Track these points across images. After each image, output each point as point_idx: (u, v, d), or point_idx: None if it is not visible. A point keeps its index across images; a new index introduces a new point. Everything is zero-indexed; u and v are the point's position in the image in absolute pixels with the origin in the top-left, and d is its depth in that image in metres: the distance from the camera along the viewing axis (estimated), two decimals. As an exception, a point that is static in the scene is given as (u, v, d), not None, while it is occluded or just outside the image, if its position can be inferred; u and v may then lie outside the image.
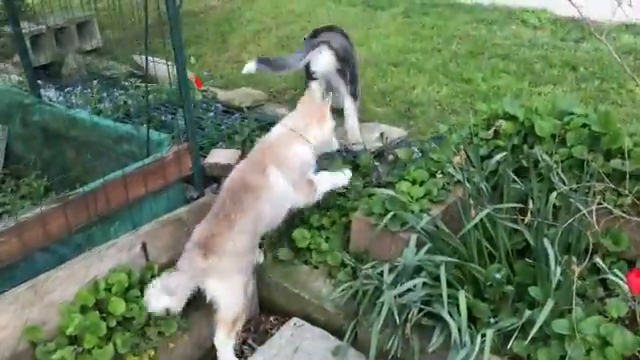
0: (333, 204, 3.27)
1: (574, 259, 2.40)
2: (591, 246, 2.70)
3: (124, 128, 3.25)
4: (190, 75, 4.55)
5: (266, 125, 4.08)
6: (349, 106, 3.77)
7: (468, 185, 2.73)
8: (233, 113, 4.26)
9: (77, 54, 5.30)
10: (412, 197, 2.99)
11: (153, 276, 2.87)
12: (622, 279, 2.53)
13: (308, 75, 3.81)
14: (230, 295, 2.68)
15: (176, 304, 2.64)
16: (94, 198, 2.68)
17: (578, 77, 4.68)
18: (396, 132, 3.91)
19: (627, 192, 2.81)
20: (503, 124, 3.18)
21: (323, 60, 3.67)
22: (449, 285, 2.57)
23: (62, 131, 3.61)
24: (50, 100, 4.39)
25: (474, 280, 2.76)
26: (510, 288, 2.67)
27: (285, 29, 6.15)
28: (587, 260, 2.63)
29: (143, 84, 4.65)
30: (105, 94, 4.24)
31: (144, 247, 2.88)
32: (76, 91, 4.25)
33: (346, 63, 3.75)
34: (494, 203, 2.85)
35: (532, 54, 5.14)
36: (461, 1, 6.64)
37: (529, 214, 2.60)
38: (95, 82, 4.76)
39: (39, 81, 5.10)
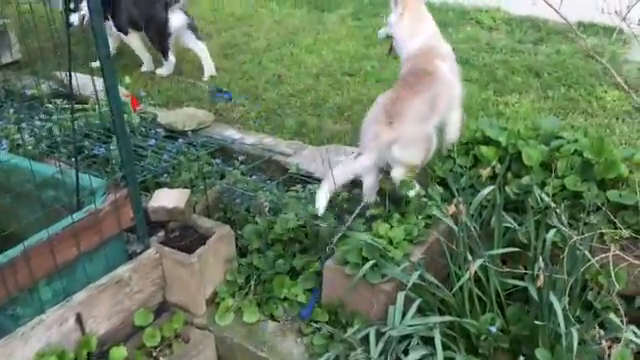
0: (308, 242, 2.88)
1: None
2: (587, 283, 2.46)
3: (48, 171, 2.73)
4: (125, 94, 4.05)
5: (215, 151, 3.65)
6: None
7: (456, 228, 2.40)
8: (176, 138, 3.78)
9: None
10: (392, 241, 2.63)
11: (90, 353, 2.40)
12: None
13: None
14: (412, 158, 2.83)
15: (371, 186, 2.89)
16: (13, 270, 2.18)
17: (543, 84, 4.44)
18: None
19: (625, 225, 2.56)
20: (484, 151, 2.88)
21: None
22: (443, 347, 2.24)
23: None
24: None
25: (465, 332, 2.45)
26: (506, 345, 2.37)
27: (226, 35, 5.68)
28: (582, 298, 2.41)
29: (69, 106, 4.11)
30: (25, 122, 3.66)
31: (79, 319, 2.40)
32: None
33: None
34: (483, 242, 2.54)
35: (492, 59, 4.88)
36: (411, 1, 6.33)
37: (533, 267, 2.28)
38: (13, 104, 4.17)
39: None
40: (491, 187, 2.64)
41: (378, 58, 4.99)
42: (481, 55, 4.95)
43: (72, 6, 4.83)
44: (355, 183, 3.20)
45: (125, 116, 3.69)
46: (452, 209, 2.22)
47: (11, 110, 3.74)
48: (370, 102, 4.25)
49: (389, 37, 3.39)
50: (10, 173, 2.88)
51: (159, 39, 4.93)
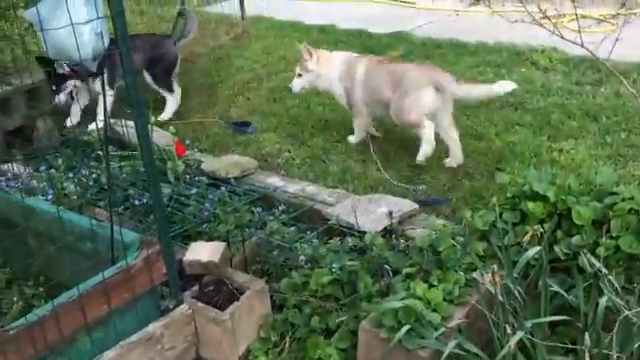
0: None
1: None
2: None
3: (87, 224, 2.76)
4: (171, 140, 4.12)
5: (257, 200, 3.63)
6: None
7: (500, 298, 2.24)
8: (220, 186, 3.78)
9: (49, 116, 4.84)
10: (430, 303, 2.50)
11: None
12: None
13: None
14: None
15: None
16: (42, 328, 2.19)
17: (601, 129, 4.22)
18: (406, 205, 3.42)
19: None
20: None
21: None
22: None
23: (21, 222, 3.13)
24: (16, 176, 3.94)
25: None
26: None
27: (276, 79, 5.71)
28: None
29: (119, 153, 4.20)
30: (72, 172, 3.75)
31: (109, 377, 2.38)
32: (42, 168, 3.77)
33: None
34: (529, 306, 2.38)
35: (547, 102, 4.69)
36: (464, 41, 6.22)
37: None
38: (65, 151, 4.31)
39: (12, 150, 4.70)
40: (538, 248, 2.48)
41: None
42: (535, 98, 4.76)
43: (54, 87, 4.61)
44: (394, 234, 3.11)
45: (169, 163, 3.77)
46: (488, 277, 2.08)
47: (59, 160, 3.84)
48: (417, 148, 4.19)
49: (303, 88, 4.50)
50: (53, 224, 2.93)
51: (166, 77, 5.05)
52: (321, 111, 4.94)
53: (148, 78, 4.99)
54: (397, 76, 4.03)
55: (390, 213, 3.20)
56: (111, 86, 4.48)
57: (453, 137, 3.98)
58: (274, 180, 3.92)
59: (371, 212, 3.34)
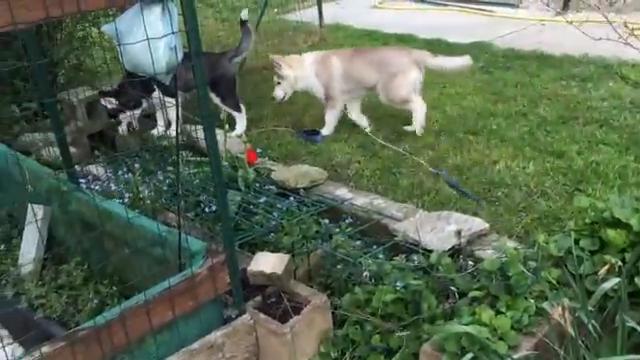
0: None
1: None
2: None
3: (158, 230, 2.84)
4: (244, 148, 4.18)
5: (324, 211, 3.62)
6: None
7: (572, 332, 2.11)
8: (288, 196, 3.80)
9: (130, 121, 5.06)
10: (496, 330, 2.40)
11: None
12: None
13: None
14: None
15: None
16: (109, 331, 2.26)
17: (696, 151, 3.93)
18: (476, 224, 3.30)
19: None
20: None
21: None
22: None
23: (98, 224, 3.27)
24: (96, 178, 4.13)
25: None
26: None
27: (351, 88, 5.69)
28: None
29: (194, 158, 4.33)
30: (149, 176, 3.89)
31: (170, 382, 2.43)
32: (120, 172, 3.93)
33: None
34: (605, 342, 2.23)
35: (636, 119, 4.42)
36: (548, 52, 5.98)
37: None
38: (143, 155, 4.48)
39: (96, 151, 4.94)
40: (616, 279, 2.32)
41: (505, 115, 4.72)
42: (623, 115, 4.50)
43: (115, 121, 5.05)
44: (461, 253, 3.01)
45: (240, 171, 3.83)
46: (557, 312, 1.96)
47: (137, 164, 3.99)
48: (492, 164, 4.05)
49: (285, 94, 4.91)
50: (126, 228, 3.04)
51: (232, 96, 5.05)
52: (394, 122, 4.87)
53: (216, 100, 5.01)
54: (380, 61, 4.67)
55: (459, 232, 3.11)
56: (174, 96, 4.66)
57: (420, 103, 4.62)
58: (342, 192, 3.89)
59: (439, 230, 3.25)
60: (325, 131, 4.86)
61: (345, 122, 5.02)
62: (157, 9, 2.10)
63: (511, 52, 6.20)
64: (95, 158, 4.59)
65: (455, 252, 3.09)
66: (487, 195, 3.75)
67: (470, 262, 2.95)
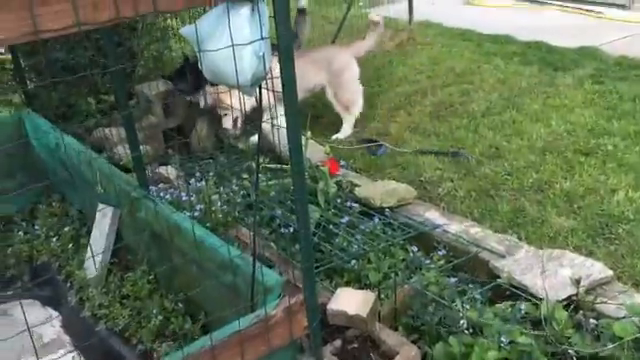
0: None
1: None
2: None
3: (230, 254, 2.52)
4: (325, 160, 3.83)
5: (413, 238, 3.22)
6: None
7: None
8: (372, 216, 3.42)
9: (207, 118, 4.80)
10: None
11: None
12: None
13: None
14: None
15: None
16: (169, 380, 1.96)
17: None
18: (596, 269, 2.80)
19: None
20: None
21: None
22: None
23: (167, 236, 3.01)
24: (168, 181, 3.89)
25: None
26: None
27: (442, 94, 5.23)
28: None
29: (273, 165, 4.01)
30: (223, 183, 3.60)
31: None
32: (192, 180, 3.64)
33: None
34: None
35: None
36: (670, 61, 5.29)
37: None
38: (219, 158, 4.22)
39: (169, 150, 4.72)
40: None
41: (622, 135, 4.14)
42: None
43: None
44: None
45: (321, 184, 3.48)
46: None
47: (210, 173, 3.71)
48: (609, 193, 3.52)
49: None
50: (195, 246, 2.75)
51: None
52: (492, 136, 4.38)
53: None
54: (324, 61, 4.64)
55: (577, 281, 2.62)
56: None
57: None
58: (433, 215, 3.47)
59: (551, 273, 2.78)
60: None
61: (435, 132, 4.57)
62: (245, 10, 1.76)
63: (624, 60, 5.53)
64: (168, 158, 4.35)
65: (572, 303, 2.62)
66: (605, 232, 3.23)
67: (592, 320, 2.47)
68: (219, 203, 3.22)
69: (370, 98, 5.31)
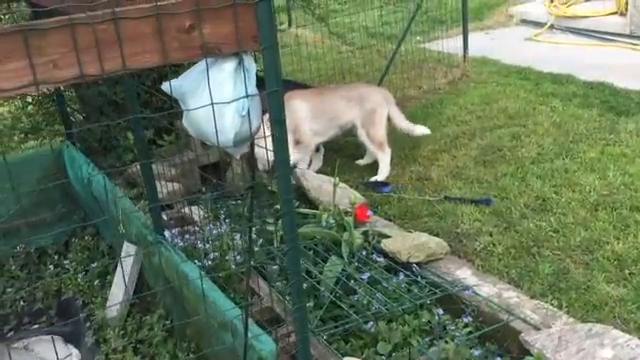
0: None
1: None
2: None
3: (231, 314, 2.37)
4: (355, 205, 3.65)
5: (440, 300, 2.97)
6: None
7: None
8: (397, 272, 3.19)
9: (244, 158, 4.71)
10: None
11: None
12: None
13: None
14: None
15: None
16: None
17: None
18: (641, 352, 2.48)
19: None
20: None
21: None
22: None
23: (176, 285, 2.90)
24: (191, 223, 3.80)
25: None
26: None
27: (491, 136, 4.95)
28: None
29: (301, 210, 3.86)
30: (244, 226, 3.48)
31: None
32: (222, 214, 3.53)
33: None
34: None
35: None
36: None
37: None
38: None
39: (203, 188, 4.65)
40: None
41: (688, 191, 3.74)
42: None
43: None
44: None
45: (345, 235, 3.29)
46: None
47: (235, 216, 3.59)
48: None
49: None
50: (200, 298, 2.62)
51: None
52: (540, 186, 4.07)
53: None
54: (357, 98, 4.56)
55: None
56: None
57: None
58: (465, 273, 3.20)
59: (588, 353, 2.47)
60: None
61: (479, 179, 4.30)
62: (229, 65, 1.63)
63: (696, 105, 5.08)
64: (199, 196, 4.27)
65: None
66: (660, 305, 2.87)
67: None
68: (235, 252, 3.08)
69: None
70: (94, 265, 4.00)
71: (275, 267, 3.17)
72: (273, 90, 1.65)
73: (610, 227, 3.51)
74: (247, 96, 1.63)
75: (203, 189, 4.40)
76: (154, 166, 4.49)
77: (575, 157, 4.40)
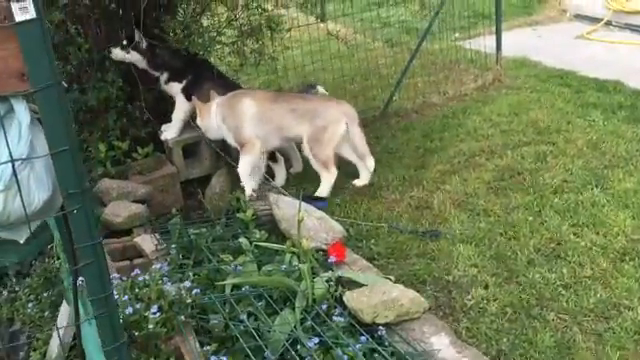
0: None
1: None
2: None
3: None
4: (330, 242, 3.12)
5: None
6: None
7: None
8: (361, 334, 2.62)
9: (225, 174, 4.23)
10: None
11: None
12: None
13: None
14: None
15: None
16: None
17: None
18: None
19: None
20: None
21: None
22: None
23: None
24: (143, 255, 3.35)
25: None
26: None
27: (512, 155, 4.26)
28: None
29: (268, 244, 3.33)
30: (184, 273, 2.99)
31: None
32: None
33: None
34: None
35: None
36: None
37: None
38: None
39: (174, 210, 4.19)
40: None
41: None
42: None
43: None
44: None
45: (303, 284, 2.77)
46: None
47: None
48: None
49: None
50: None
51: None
52: (557, 224, 3.39)
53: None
54: (308, 111, 4.05)
55: None
56: None
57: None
58: (442, 341, 2.59)
59: None
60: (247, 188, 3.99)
61: (486, 211, 3.65)
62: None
63: None
64: (171, 218, 3.80)
65: None
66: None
67: None
68: (155, 306, 2.59)
69: (423, 156, 4.48)
70: (46, 294, 3.62)
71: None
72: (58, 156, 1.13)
73: (636, 286, 2.82)
74: (13, 161, 1.12)
75: (174, 210, 3.93)
76: (125, 183, 4.11)
77: (607, 187, 3.68)
